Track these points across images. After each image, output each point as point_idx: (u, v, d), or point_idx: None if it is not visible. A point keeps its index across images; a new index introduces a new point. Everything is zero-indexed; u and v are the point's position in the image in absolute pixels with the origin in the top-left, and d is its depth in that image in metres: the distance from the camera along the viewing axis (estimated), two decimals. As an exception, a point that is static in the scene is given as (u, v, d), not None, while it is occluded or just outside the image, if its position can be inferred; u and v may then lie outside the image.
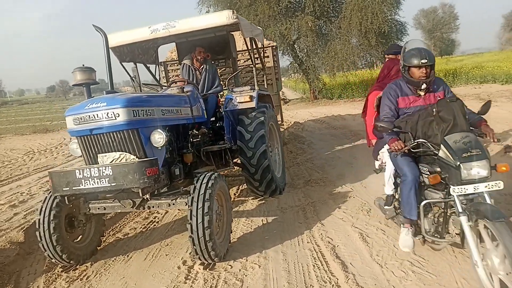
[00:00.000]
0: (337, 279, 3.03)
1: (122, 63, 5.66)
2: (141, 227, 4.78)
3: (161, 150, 3.75)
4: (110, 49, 5.31)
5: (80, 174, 3.38)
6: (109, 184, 3.33)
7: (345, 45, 18.85)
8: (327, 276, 3.09)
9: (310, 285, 3.01)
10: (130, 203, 3.70)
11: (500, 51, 56.34)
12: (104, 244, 4.32)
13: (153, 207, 3.74)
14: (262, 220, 4.56)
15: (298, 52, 21.58)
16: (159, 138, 3.60)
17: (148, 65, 6.31)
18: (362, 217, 4.24)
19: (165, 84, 6.70)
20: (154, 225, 4.84)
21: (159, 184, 3.55)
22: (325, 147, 8.53)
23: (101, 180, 3.34)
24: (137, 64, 5.94)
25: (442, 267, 3.02)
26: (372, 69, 23.17)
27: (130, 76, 5.46)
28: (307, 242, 3.76)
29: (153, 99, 3.89)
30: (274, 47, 7.60)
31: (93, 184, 3.36)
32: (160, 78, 6.80)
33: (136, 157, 3.52)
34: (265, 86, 6.40)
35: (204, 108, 4.99)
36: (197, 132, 4.72)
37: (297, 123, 12.82)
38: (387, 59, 5.27)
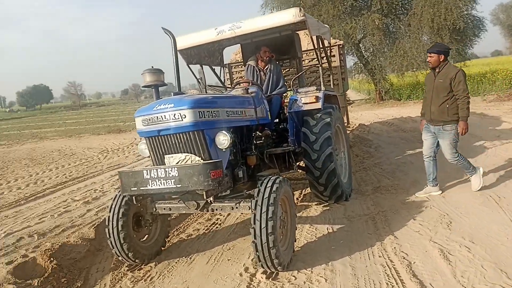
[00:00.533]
0: (415, 301, 2.72)
1: (189, 65, 5.75)
2: (204, 229, 4.77)
3: (226, 152, 3.69)
4: (178, 52, 5.48)
5: (147, 174, 3.41)
6: (175, 186, 3.32)
7: (415, 43, 17.81)
8: (404, 297, 2.78)
9: (384, 305, 2.73)
10: (194, 205, 3.68)
11: None
12: (168, 244, 4.35)
13: (216, 209, 3.69)
14: (327, 229, 4.32)
15: (363, 51, 20.82)
16: (223, 139, 3.53)
17: (213, 67, 6.36)
18: (442, 230, 3.81)
19: (230, 86, 6.70)
20: (217, 227, 4.80)
21: (223, 186, 3.48)
22: (395, 151, 8.01)
23: (167, 181, 3.34)
24: (203, 66, 6.00)
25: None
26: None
27: (196, 78, 5.50)
28: (379, 256, 3.45)
29: (218, 100, 3.83)
30: (340, 46, 7.28)
31: (159, 185, 3.38)
32: (224, 80, 6.81)
33: (201, 159, 3.48)
34: (331, 86, 6.13)
35: (268, 109, 4.87)
36: (260, 134, 4.60)
37: (363, 125, 12.29)
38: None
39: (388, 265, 3.25)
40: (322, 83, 5.21)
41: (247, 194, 3.80)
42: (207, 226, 4.85)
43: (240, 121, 4.13)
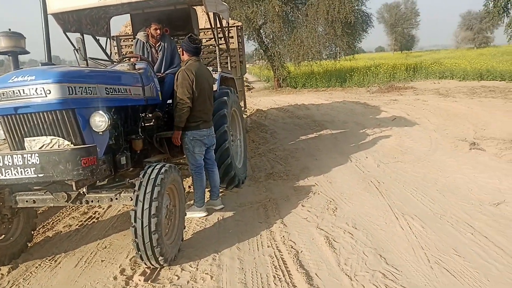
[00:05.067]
0: (301, 294, 2.67)
1: (66, 32, 4.96)
2: (77, 224, 4.17)
3: (103, 136, 3.20)
4: (53, 17, 4.68)
5: (-1, 161, 2.78)
6: (36, 175, 2.76)
7: (311, 33, 18.58)
8: (290, 289, 2.73)
9: (270, 299, 2.64)
10: (64, 197, 3.14)
11: (456, 49, 59.00)
12: (30, 244, 3.69)
13: (92, 201, 3.22)
14: (218, 218, 4.13)
15: (264, 38, 21.09)
16: (100, 121, 3.04)
17: (97, 37, 5.61)
18: (328, 217, 3.91)
19: (117, 61, 6.02)
20: (93, 222, 4.24)
21: (98, 176, 3.03)
22: (289, 137, 8.21)
23: (26, 169, 2.77)
24: (84, 35, 5.24)
25: (417, 280, 2.75)
26: (336, 60, 23.23)
27: (74, 47, 4.76)
28: (268, 246, 3.36)
29: (96, 74, 3.30)
30: (239, 27, 7.07)
31: (15, 174, 2.78)
32: (111, 54, 6.10)
33: (72, 143, 2.96)
34: (229, 69, 5.91)
35: (159, 89, 4.44)
36: (150, 116, 4.17)
37: (260, 111, 12.44)
38: None
39: (276, 256, 3.19)
40: (218, 64, 4.95)
41: (130, 183, 3.39)
42: (81, 221, 4.25)
43: (124, 100, 3.65)
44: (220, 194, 4.65)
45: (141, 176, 3.06)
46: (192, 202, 4.27)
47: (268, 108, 13.39)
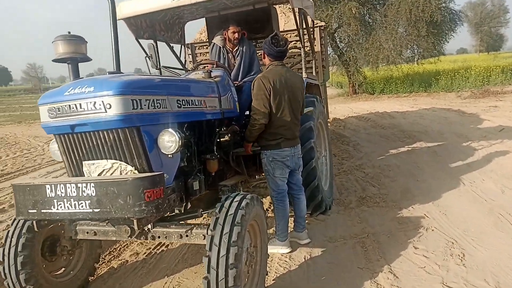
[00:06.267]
0: None
1: (139, 39, 4.58)
2: (145, 253, 3.65)
3: (173, 159, 2.62)
4: (124, 22, 4.32)
5: (51, 191, 2.30)
6: (91, 210, 2.23)
7: (391, 34, 17.14)
8: None
9: None
10: (127, 231, 2.60)
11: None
12: (93, 277, 3.24)
13: (158, 237, 2.65)
14: (304, 256, 3.37)
15: (338, 42, 20.01)
16: (169, 141, 2.44)
17: (172, 44, 5.21)
18: (455, 268, 2.93)
19: (191, 69, 5.56)
20: (162, 250, 3.71)
21: (166, 210, 2.43)
22: (376, 151, 7.19)
23: (80, 202, 2.25)
24: (157, 42, 4.85)
25: None
26: (418, 62, 21.35)
27: (146, 54, 4.34)
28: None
29: (166, 84, 2.73)
30: (322, 28, 6.28)
31: (69, 208, 2.28)
32: (185, 62, 5.67)
33: (136, 169, 2.40)
34: (313, 74, 5.15)
35: (236, 99, 3.81)
36: (226, 131, 3.55)
37: (337, 120, 11.46)
38: None
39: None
40: (304, 70, 4.22)
41: (202, 214, 2.77)
42: (149, 248, 3.74)
43: (198, 114, 3.05)
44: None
45: (216, 210, 2.41)
46: (272, 230, 3.56)
47: (346, 116, 12.37)
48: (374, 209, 4.33)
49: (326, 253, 3.42)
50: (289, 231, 3.60)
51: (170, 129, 2.43)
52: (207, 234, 2.39)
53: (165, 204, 2.30)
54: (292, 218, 3.73)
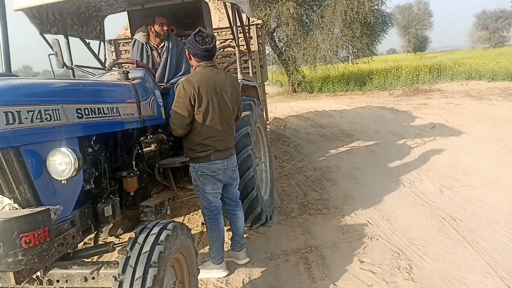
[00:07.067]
0: None
1: (44, 34, 3.91)
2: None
3: (71, 184, 2.08)
4: (24, 14, 3.65)
5: None
6: (-48, 260, 1.66)
7: (328, 35, 17.45)
8: None
9: None
10: (12, 277, 2.03)
11: (471, 49, 57.25)
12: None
13: (57, 281, 2.11)
14: (243, 279, 2.99)
15: (277, 41, 20.01)
16: (62, 164, 1.91)
17: (88, 40, 4.56)
18: (404, 284, 2.73)
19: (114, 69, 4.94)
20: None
21: (53, 256, 1.87)
22: (316, 152, 7.04)
23: None
24: (68, 38, 4.20)
25: None
26: (353, 62, 22.06)
27: (51, 48, 3.68)
28: None
29: (59, 89, 2.18)
30: (259, 26, 5.95)
31: None
32: (106, 60, 5.03)
33: (16, 202, 1.85)
34: (250, 75, 4.79)
35: (161, 104, 3.33)
36: (150, 139, 3.05)
37: (278, 119, 11.27)
38: None
39: None
40: (239, 70, 3.83)
41: (114, 248, 2.27)
42: None
43: (109, 124, 2.52)
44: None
45: (128, 247, 1.94)
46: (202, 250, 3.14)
47: (286, 115, 12.24)
48: (316, 217, 4.07)
49: (267, 274, 3.07)
50: (225, 250, 3.20)
51: (62, 148, 1.89)
52: (117, 273, 1.92)
53: (52, 248, 1.77)
54: (229, 236, 3.33)
